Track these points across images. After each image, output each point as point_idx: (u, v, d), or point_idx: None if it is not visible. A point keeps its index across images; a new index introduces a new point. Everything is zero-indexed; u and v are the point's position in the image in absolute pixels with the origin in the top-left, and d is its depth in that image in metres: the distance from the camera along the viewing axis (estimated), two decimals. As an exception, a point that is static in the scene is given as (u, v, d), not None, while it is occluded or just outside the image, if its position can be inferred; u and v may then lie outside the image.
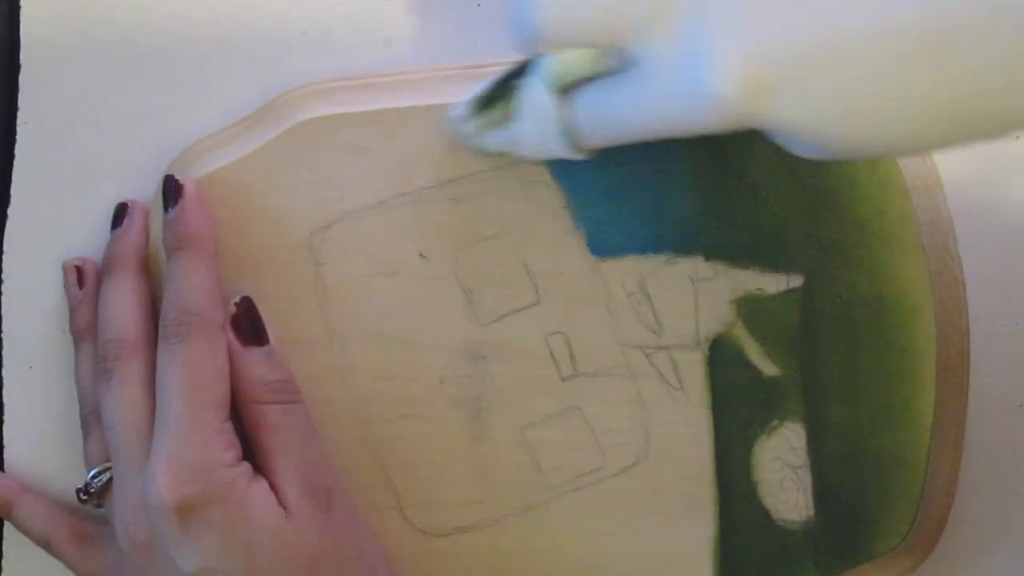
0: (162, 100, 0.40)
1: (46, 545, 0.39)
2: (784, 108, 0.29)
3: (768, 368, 0.39)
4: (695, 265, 0.39)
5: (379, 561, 0.37)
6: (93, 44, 0.40)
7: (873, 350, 0.39)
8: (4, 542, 0.41)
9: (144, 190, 0.40)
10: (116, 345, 0.37)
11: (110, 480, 0.37)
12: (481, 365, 0.39)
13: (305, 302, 0.39)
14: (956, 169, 0.39)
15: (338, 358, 0.39)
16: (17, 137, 0.40)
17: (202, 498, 0.34)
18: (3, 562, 0.41)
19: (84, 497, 0.38)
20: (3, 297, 0.41)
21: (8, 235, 0.41)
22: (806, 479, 0.39)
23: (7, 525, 0.41)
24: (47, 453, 0.41)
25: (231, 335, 0.37)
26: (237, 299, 0.37)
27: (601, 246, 0.39)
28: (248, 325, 0.37)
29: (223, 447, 0.35)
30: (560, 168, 0.38)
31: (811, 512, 0.39)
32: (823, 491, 0.39)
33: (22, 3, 0.40)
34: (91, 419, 0.39)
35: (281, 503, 0.35)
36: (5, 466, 0.41)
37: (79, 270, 0.39)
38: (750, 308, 0.39)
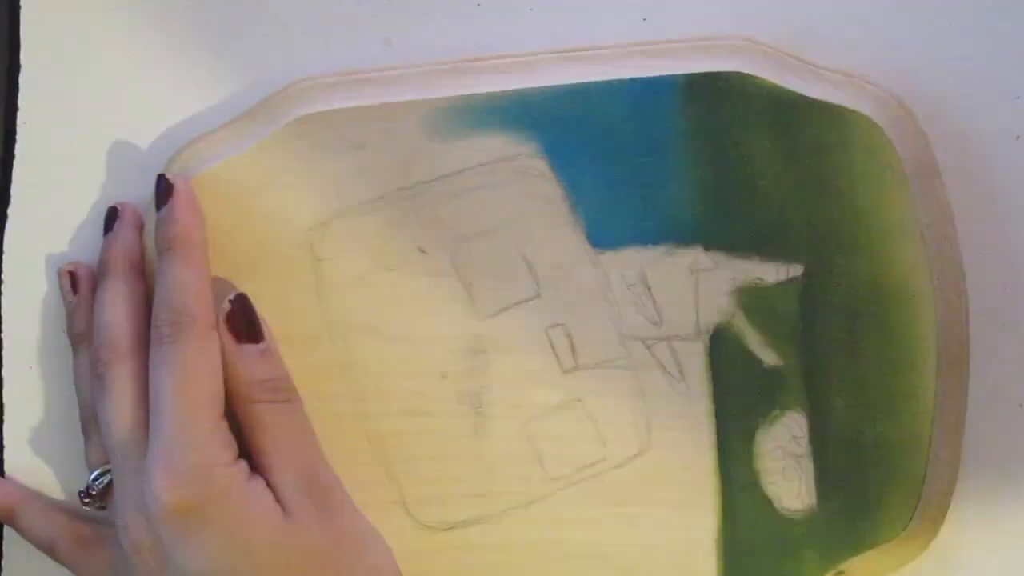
0: (162, 99, 0.40)
1: (50, 551, 0.39)
2: None
3: (769, 358, 0.39)
4: (695, 256, 0.39)
5: (382, 559, 0.37)
6: (93, 44, 0.40)
7: (873, 338, 0.39)
8: (4, 543, 0.41)
9: (144, 189, 0.40)
10: (109, 350, 0.37)
11: (111, 482, 0.37)
12: (482, 359, 0.39)
13: (305, 298, 0.39)
14: (956, 164, 0.39)
15: (339, 354, 0.39)
16: (17, 137, 0.40)
17: (200, 498, 0.34)
18: (3, 562, 0.41)
19: (87, 500, 0.38)
20: (3, 297, 0.41)
21: (8, 235, 0.41)
22: (808, 468, 0.39)
23: (6, 524, 0.41)
24: (47, 453, 0.41)
25: (225, 332, 0.37)
26: (232, 296, 0.37)
27: (600, 238, 0.39)
28: (242, 322, 0.37)
29: (219, 446, 0.35)
30: (559, 161, 0.38)
31: (814, 501, 0.39)
32: (825, 479, 0.39)
33: (22, 3, 0.40)
34: (90, 423, 0.39)
35: (279, 502, 0.35)
36: (5, 466, 0.41)
37: (72, 275, 0.39)
38: (750, 298, 0.39)
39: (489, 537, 0.39)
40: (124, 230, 0.39)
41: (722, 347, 0.39)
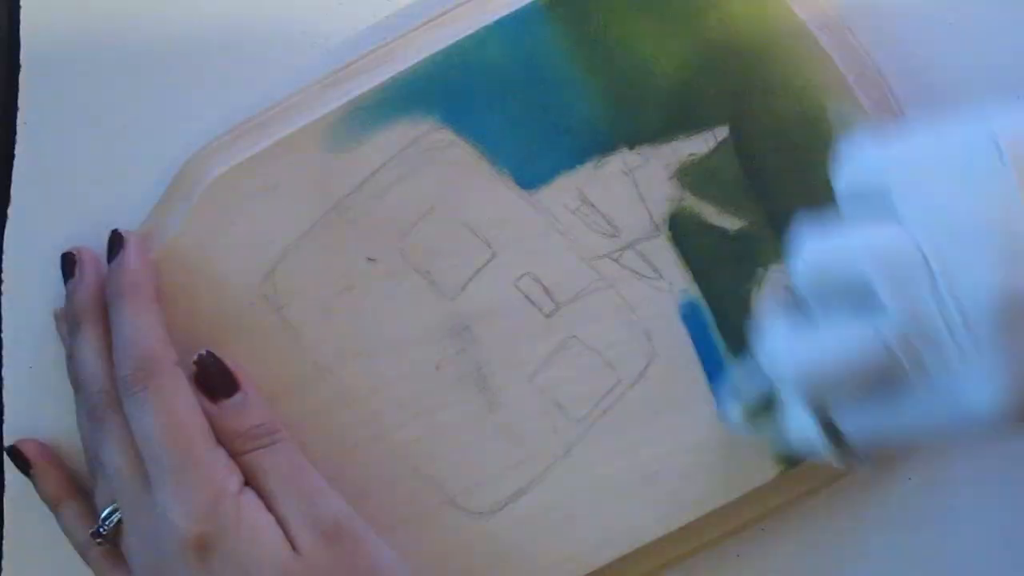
0: (162, 99, 0.40)
1: (84, 554, 0.39)
2: None
3: (732, 223, 0.39)
4: (623, 158, 0.39)
5: None
6: (93, 44, 0.40)
7: (819, 165, 0.38)
8: (4, 542, 0.41)
9: (143, 189, 0.40)
10: (98, 396, 0.37)
11: (121, 520, 0.37)
12: (467, 336, 0.39)
13: (283, 348, 0.39)
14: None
15: (334, 387, 0.39)
16: (17, 137, 0.41)
17: (214, 530, 0.34)
18: (3, 562, 0.41)
19: (99, 540, 0.38)
20: (3, 297, 0.41)
21: (8, 235, 0.41)
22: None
23: (7, 524, 0.41)
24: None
25: (198, 393, 0.37)
26: (195, 356, 0.37)
27: (529, 179, 0.39)
28: (211, 381, 0.37)
29: (223, 475, 0.35)
30: (462, 123, 0.39)
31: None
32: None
33: (22, 3, 0.41)
34: (95, 464, 0.38)
35: (289, 540, 0.35)
36: (5, 466, 0.41)
37: (66, 320, 0.39)
38: (691, 175, 0.39)
39: (544, 498, 0.39)
40: (88, 274, 0.39)
41: (684, 231, 0.39)
